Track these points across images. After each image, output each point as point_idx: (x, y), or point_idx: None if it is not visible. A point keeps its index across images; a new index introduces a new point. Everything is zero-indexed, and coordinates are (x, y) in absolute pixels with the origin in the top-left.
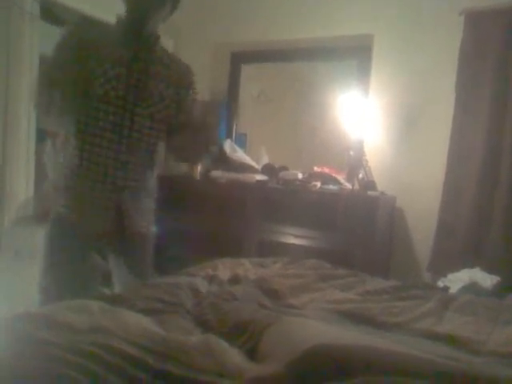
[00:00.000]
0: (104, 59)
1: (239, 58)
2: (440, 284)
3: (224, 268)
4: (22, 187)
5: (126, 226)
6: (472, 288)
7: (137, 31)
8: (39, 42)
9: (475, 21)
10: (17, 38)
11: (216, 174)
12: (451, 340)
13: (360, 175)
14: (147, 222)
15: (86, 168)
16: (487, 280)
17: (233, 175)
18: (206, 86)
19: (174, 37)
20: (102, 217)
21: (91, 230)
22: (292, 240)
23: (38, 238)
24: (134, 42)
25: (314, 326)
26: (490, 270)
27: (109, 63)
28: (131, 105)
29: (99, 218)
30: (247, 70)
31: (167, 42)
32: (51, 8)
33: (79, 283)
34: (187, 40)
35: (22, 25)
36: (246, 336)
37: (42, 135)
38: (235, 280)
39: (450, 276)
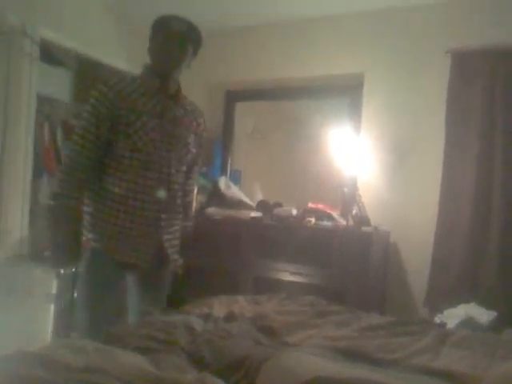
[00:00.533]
0: (141, 112)
1: (233, 97)
2: (437, 320)
3: (219, 305)
4: (17, 224)
5: (163, 260)
6: (469, 323)
7: (165, 81)
8: (37, 82)
9: (461, 60)
10: (16, 79)
11: (211, 210)
12: (448, 376)
13: (354, 211)
14: (177, 258)
15: (132, 206)
16: (484, 315)
17: (227, 212)
18: None
19: None
20: (146, 252)
21: (137, 265)
22: (287, 276)
23: (32, 276)
24: (163, 92)
25: (312, 360)
26: (486, 304)
27: (146, 116)
28: (166, 151)
29: (145, 254)
30: (241, 108)
31: None
32: (50, 49)
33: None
34: (182, 79)
35: (22, 66)
36: (242, 372)
37: (38, 171)
38: (231, 317)
39: (447, 312)
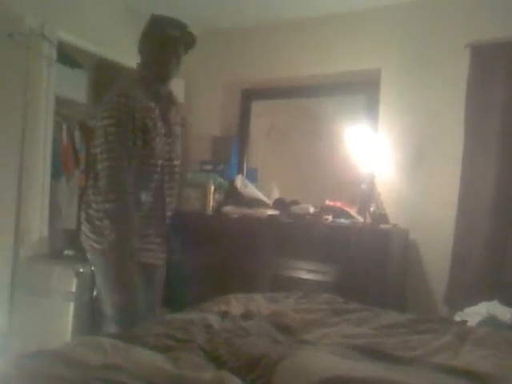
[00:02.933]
0: (154, 117)
1: (249, 95)
2: (457, 318)
3: (237, 303)
4: (37, 224)
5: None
6: (490, 322)
7: (161, 84)
8: (55, 83)
9: (480, 53)
10: (34, 81)
11: (228, 209)
12: (469, 374)
13: (372, 208)
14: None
15: (148, 210)
16: (506, 313)
17: (244, 210)
18: (217, 122)
19: (185, 76)
20: (161, 251)
21: (154, 264)
22: (304, 274)
23: (52, 274)
24: (159, 94)
25: (328, 359)
26: (508, 302)
27: (158, 120)
28: (168, 153)
29: (161, 253)
30: (257, 107)
31: (179, 82)
32: (67, 51)
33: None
34: (199, 79)
35: (40, 68)
36: (259, 371)
37: (57, 172)
38: (248, 315)
39: (468, 310)
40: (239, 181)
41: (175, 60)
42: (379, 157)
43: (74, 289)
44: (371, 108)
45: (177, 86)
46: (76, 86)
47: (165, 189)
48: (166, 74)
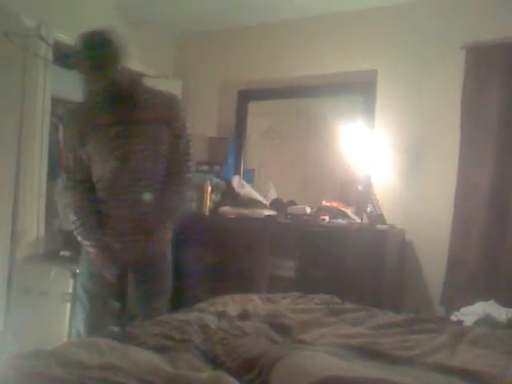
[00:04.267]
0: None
1: (246, 96)
2: (453, 318)
3: (234, 303)
4: (34, 225)
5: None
6: (486, 321)
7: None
8: (52, 84)
9: (476, 54)
10: (31, 81)
11: (224, 209)
12: (465, 374)
13: (368, 209)
14: None
15: None
16: (502, 313)
17: (241, 211)
18: (214, 123)
19: (182, 77)
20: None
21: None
22: (301, 274)
23: (48, 275)
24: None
25: (324, 359)
26: (504, 302)
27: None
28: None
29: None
30: (254, 107)
31: (176, 83)
32: (64, 51)
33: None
34: (195, 80)
35: (36, 68)
36: (256, 371)
37: (53, 173)
38: (245, 316)
39: (464, 309)
40: (236, 181)
41: (101, 73)
42: (376, 157)
43: (70, 289)
44: (368, 109)
45: (173, 87)
46: (72, 87)
47: (120, 189)
48: (99, 80)
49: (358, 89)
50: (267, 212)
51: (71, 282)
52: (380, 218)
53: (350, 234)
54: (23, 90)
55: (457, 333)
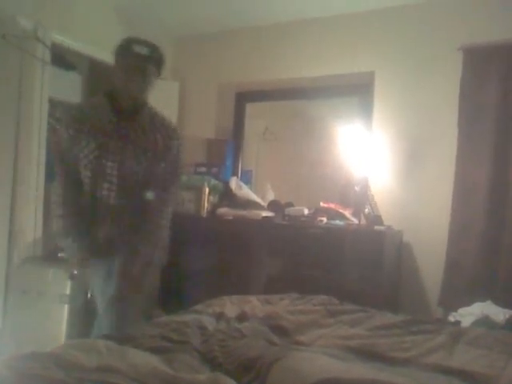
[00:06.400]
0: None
1: (243, 98)
2: (451, 319)
3: (231, 305)
4: (31, 226)
5: None
6: (484, 322)
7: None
8: (49, 86)
9: (473, 56)
10: (28, 83)
11: (222, 211)
12: (463, 374)
13: (366, 210)
14: None
15: None
16: (500, 314)
17: (239, 212)
18: (211, 125)
19: (179, 79)
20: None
21: None
22: (299, 276)
23: (46, 277)
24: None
25: (322, 361)
26: (502, 303)
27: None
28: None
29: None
30: (252, 109)
31: (173, 85)
32: (61, 53)
33: None
34: (193, 82)
35: (34, 70)
36: (254, 372)
37: (51, 175)
38: (243, 317)
39: (461, 310)
40: (234, 183)
41: (141, 78)
42: (373, 159)
43: (68, 291)
44: (365, 110)
45: (171, 89)
46: (70, 88)
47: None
48: (128, 92)
49: (356, 90)
50: (265, 213)
51: (69, 283)
52: (378, 220)
53: (347, 235)
54: (21, 92)
55: (454, 334)
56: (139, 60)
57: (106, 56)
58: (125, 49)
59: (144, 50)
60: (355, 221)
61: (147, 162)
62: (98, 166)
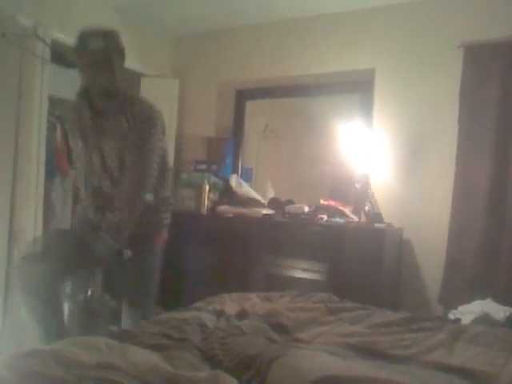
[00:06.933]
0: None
1: (244, 95)
2: (451, 316)
3: (231, 302)
4: (31, 224)
5: None
6: (484, 320)
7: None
8: (49, 83)
9: (474, 53)
10: (28, 80)
11: (222, 208)
12: (463, 372)
13: (366, 208)
14: None
15: None
16: (500, 311)
17: (239, 210)
18: (211, 122)
19: (179, 77)
20: None
21: None
22: (299, 273)
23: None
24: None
25: (322, 358)
26: (502, 300)
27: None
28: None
29: None
30: (252, 107)
31: (173, 83)
32: (61, 51)
33: None
34: (192, 80)
35: (34, 68)
36: (254, 370)
37: (51, 172)
38: (243, 315)
39: (462, 308)
40: (234, 180)
41: (103, 72)
42: (374, 156)
43: (68, 290)
44: (365, 107)
45: (171, 87)
46: (70, 87)
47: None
48: (95, 88)
49: (356, 87)
50: (265, 211)
51: (69, 282)
52: (378, 217)
53: (348, 232)
54: (21, 90)
55: (454, 331)
56: (96, 55)
57: None
58: (80, 48)
59: (99, 43)
60: (355, 218)
61: (122, 146)
62: (85, 159)
